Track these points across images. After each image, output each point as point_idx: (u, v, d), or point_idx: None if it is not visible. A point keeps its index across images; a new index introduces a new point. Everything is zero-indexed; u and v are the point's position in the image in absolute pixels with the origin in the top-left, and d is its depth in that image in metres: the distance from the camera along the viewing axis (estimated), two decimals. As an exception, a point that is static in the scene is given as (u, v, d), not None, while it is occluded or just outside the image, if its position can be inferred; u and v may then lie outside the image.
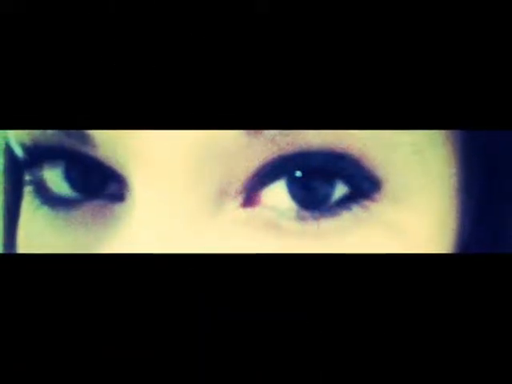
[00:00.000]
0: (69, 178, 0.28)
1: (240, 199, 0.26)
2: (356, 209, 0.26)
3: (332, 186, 0.26)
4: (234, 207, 0.26)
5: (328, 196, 0.26)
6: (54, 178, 0.28)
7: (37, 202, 0.29)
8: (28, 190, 0.29)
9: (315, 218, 0.26)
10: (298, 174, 0.26)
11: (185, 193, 0.25)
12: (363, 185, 0.26)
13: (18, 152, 0.29)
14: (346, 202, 0.26)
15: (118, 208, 0.27)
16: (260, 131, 0.25)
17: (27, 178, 0.29)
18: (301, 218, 0.26)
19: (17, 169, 0.36)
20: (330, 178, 0.26)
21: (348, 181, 0.26)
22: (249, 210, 0.26)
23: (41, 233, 0.29)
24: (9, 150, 0.37)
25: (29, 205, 0.29)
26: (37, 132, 0.27)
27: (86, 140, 0.26)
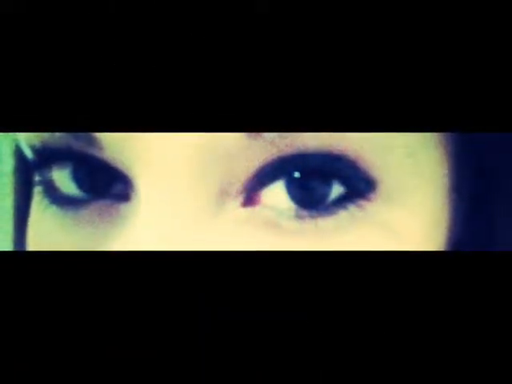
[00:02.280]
0: (76, 178, 0.29)
1: (240, 199, 0.27)
2: (352, 208, 0.26)
3: (329, 186, 0.26)
4: (234, 207, 0.27)
5: (325, 196, 0.26)
6: (63, 179, 0.29)
7: (46, 201, 0.29)
8: (37, 190, 0.30)
9: (313, 217, 0.26)
10: (297, 174, 0.26)
11: (187, 193, 0.26)
12: (359, 185, 0.26)
13: (28, 154, 0.29)
14: (342, 201, 0.26)
15: (124, 207, 0.27)
16: (260, 134, 0.25)
17: (36, 178, 0.30)
18: (299, 217, 0.26)
19: (27, 170, 0.36)
20: (327, 178, 0.26)
21: (344, 181, 0.26)
22: (249, 210, 0.27)
23: (50, 231, 0.29)
24: (19, 152, 0.37)
25: (38, 204, 0.30)
26: (46, 134, 0.28)
27: (93, 142, 0.26)
